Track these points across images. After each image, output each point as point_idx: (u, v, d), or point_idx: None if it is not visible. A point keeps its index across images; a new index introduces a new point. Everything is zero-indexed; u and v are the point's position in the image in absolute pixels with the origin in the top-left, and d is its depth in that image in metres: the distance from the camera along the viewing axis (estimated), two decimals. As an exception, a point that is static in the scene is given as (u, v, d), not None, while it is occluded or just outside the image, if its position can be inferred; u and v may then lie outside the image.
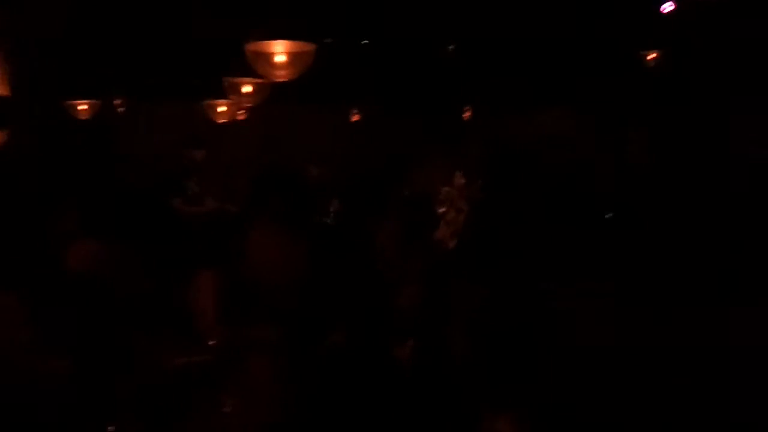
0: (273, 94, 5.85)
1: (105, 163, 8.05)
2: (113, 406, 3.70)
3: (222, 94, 5.83)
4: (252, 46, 3.25)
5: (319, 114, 10.47)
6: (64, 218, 5.27)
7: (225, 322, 4.58)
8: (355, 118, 10.42)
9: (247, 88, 5.34)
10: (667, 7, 6.05)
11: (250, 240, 5.16)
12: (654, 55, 6.32)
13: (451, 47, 8.13)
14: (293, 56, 3.20)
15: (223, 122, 6.71)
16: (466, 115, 10.33)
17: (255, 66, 3.37)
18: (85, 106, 6.57)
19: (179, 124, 8.49)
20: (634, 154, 7.77)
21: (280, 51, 3.19)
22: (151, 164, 8.56)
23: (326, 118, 10.55)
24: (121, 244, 5.34)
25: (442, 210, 8.66)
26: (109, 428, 3.44)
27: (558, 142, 9.07)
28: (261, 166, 9.07)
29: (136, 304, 4.78)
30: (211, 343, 4.31)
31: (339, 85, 9.19)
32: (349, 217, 7.75)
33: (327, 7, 6.59)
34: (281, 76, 3.28)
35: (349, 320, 4.21)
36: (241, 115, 7.90)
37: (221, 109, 6.36)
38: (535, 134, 9.73)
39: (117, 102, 8.50)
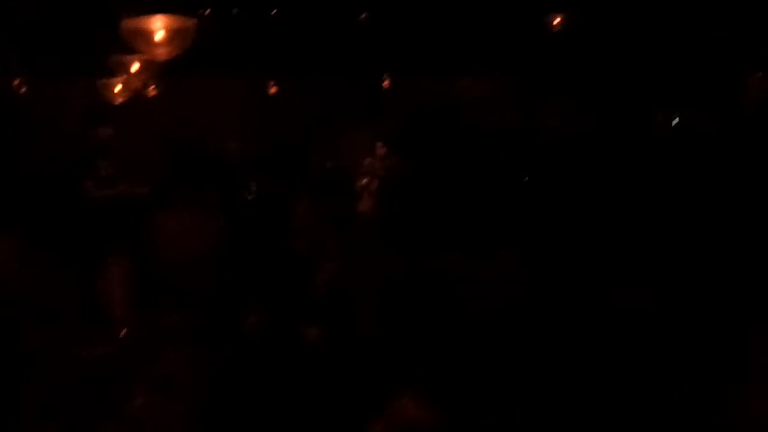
0: (187, 67, 5.63)
1: (7, 150, 7.69)
2: (18, 405, 3.55)
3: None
4: (128, 23, 3.06)
5: (237, 87, 10.22)
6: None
7: (137, 310, 4.46)
8: (273, 90, 10.20)
9: (135, 66, 5.11)
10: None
11: (161, 223, 5.04)
12: (558, 19, 6.36)
13: (363, 15, 8.01)
14: (172, 32, 3.01)
15: (122, 101, 6.45)
16: (385, 83, 10.26)
17: (133, 44, 3.19)
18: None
19: (85, 102, 8.16)
20: (547, 118, 7.87)
21: (158, 27, 2.99)
22: (59, 145, 8.22)
23: (244, 91, 10.31)
24: (27, 235, 5.13)
25: (365, 181, 8.67)
26: None
27: (475, 107, 9.13)
28: (173, 146, 8.88)
29: (43, 296, 4.61)
30: (122, 332, 4.19)
31: (254, 56, 8.98)
32: (269, 193, 7.64)
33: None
34: (161, 54, 3.11)
35: (264, 302, 4.14)
36: (151, 91, 7.63)
37: (117, 88, 6.10)
38: (453, 100, 9.78)
39: (17, 82, 8.09)
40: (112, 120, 7.30)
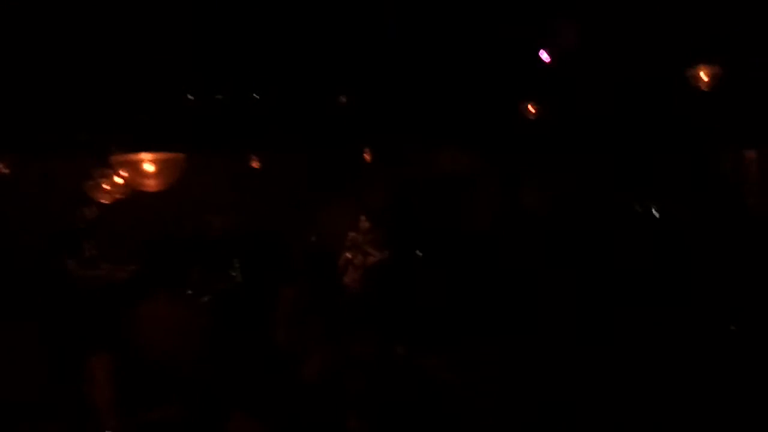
0: (171, 145, 5.73)
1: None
2: None
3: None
4: (118, 157, 3.13)
5: (219, 162, 10.33)
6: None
7: (123, 408, 4.42)
8: (256, 165, 10.33)
9: (120, 180, 5.17)
10: (545, 56, 6.30)
11: (144, 311, 5.01)
12: (533, 109, 6.56)
13: (342, 98, 8.21)
14: (161, 165, 3.09)
15: (107, 201, 6.54)
16: (367, 156, 10.43)
17: (122, 175, 3.26)
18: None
19: (70, 183, 8.20)
20: (527, 198, 8.03)
21: (147, 160, 3.05)
22: (43, 225, 8.24)
23: (226, 167, 10.42)
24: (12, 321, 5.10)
25: (348, 255, 8.72)
26: None
27: (455, 182, 9.27)
28: (156, 225, 8.91)
29: (29, 390, 4.58)
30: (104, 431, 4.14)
31: (238, 135, 9.12)
32: (252, 271, 7.64)
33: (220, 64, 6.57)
34: (150, 185, 3.18)
35: (251, 398, 4.13)
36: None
37: (104, 187, 6.19)
38: (433, 174, 9.93)
39: (1, 163, 8.15)
40: (95, 201, 7.35)
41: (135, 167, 3.11)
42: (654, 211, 7.28)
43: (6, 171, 8.50)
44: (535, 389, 3.96)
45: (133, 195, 8.53)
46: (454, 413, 3.64)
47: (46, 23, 5.17)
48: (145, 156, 3.10)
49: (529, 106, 6.60)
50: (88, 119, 6.69)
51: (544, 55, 6.21)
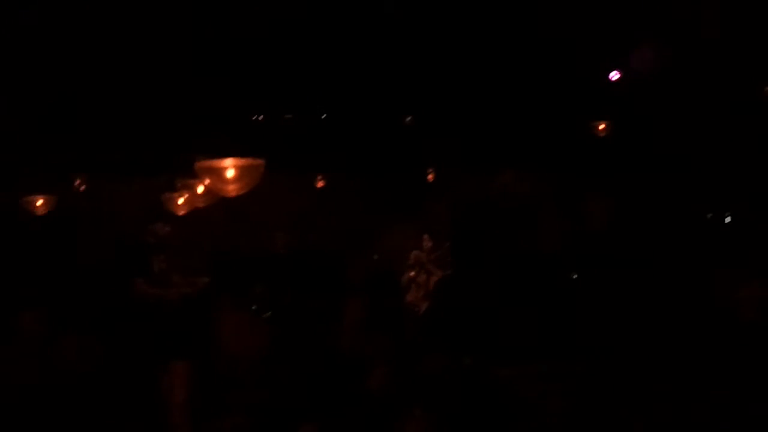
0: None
1: (67, 250, 7.98)
2: None
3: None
4: (201, 163, 3.28)
5: (286, 182, 10.54)
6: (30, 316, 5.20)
7: (195, 415, 4.52)
8: (321, 185, 10.51)
9: (200, 188, 5.36)
10: (614, 75, 6.26)
11: (217, 327, 5.13)
12: (603, 125, 6.51)
13: (408, 118, 8.30)
14: (242, 171, 3.23)
15: (183, 213, 6.74)
16: (430, 177, 10.49)
17: (205, 181, 3.40)
18: (41, 201, 6.61)
19: (143, 200, 8.47)
20: (592, 219, 7.92)
21: (228, 166, 3.20)
22: (115, 242, 8.49)
23: (292, 186, 10.62)
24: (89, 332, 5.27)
25: (412, 273, 8.75)
26: None
27: (519, 203, 9.21)
28: (224, 242, 9.12)
29: (104, 396, 4.71)
30: (179, 438, 4.25)
31: (303, 155, 9.30)
32: (316, 290, 7.74)
33: (288, 84, 6.73)
34: (231, 190, 3.31)
35: (320, 409, 4.18)
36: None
37: (180, 201, 6.39)
38: (497, 195, 9.89)
39: (78, 181, 8.47)
40: (168, 218, 7.57)
41: (217, 173, 3.24)
42: (726, 219, 7.13)
43: (83, 188, 8.84)
44: (603, 408, 3.90)
45: (203, 211, 8.81)
46: (521, 424, 3.62)
47: (122, 40, 5.37)
48: (227, 162, 3.24)
49: (598, 126, 6.55)
50: (161, 137, 6.91)
51: (614, 75, 6.17)
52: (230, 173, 3.21)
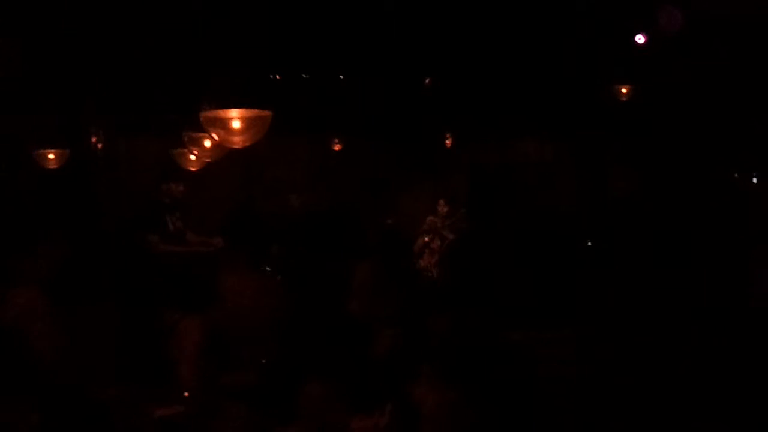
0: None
1: (84, 205, 8.01)
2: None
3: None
4: (207, 113, 3.23)
5: (303, 144, 10.50)
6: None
7: (203, 372, 4.53)
8: (338, 147, 10.43)
9: (207, 142, 5.32)
10: (640, 38, 6.10)
11: (226, 284, 5.13)
12: (626, 89, 6.37)
13: (427, 80, 8.17)
14: (248, 122, 3.18)
15: (194, 170, 6.71)
16: (448, 142, 10.38)
17: (210, 131, 3.36)
18: (53, 155, 6.65)
19: (158, 158, 8.45)
20: (615, 185, 7.83)
21: (234, 117, 3.16)
22: (131, 199, 8.53)
23: (309, 148, 10.58)
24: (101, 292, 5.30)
25: (426, 238, 8.71)
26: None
27: (538, 169, 9.11)
28: (238, 201, 9.11)
29: (113, 353, 4.74)
30: (186, 394, 4.25)
31: (321, 116, 9.23)
32: (329, 250, 7.73)
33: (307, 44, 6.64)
34: (237, 142, 3.26)
35: (328, 368, 4.16)
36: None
37: (191, 156, 6.35)
38: (516, 161, 9.79)
39: (94, 138, 8.46)
40: (182, 177, 7.55)
41: (223, 124, 3.20)
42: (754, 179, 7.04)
43: (100, 145, 8.84)
44: (614, 372, 3.86)
45: (220, 170, 8.80)
46: (533, 388, 3.58)
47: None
48: (233, 112, 3.19)
49: (622, 89, 6.41)
50: (174, 92, 6.86)
51: (639, 38, 6.02)
52: (236, 124, 3.17)
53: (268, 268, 6.87)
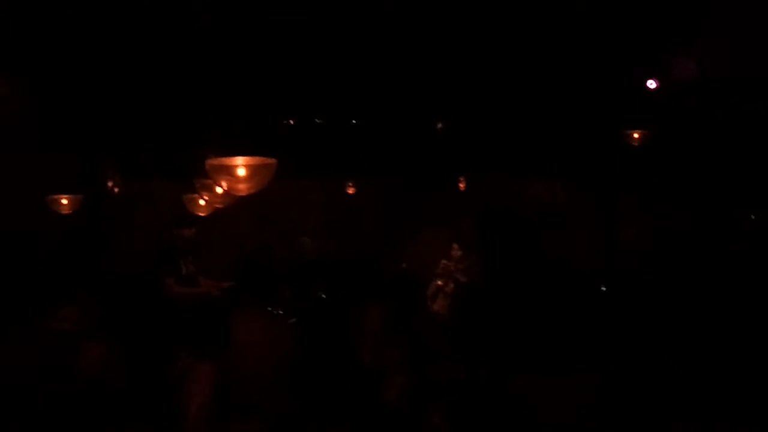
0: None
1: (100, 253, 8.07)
2: None
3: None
4: (213, 161, 3.27)
5: (317, 187, 10.55)
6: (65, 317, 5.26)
7: (213, 417, 4.50)
8: (352, 191, 10.47)
9: (219, 189, 5.35)
10: (652, 84, 6.12)
11: (237, 329, 5.11)
12: (638, 134, 6.37)
13: (439, 125, 8.22)
14: (253, 170, 3.21)
15: (205, 215, 6.76)
16: (462, 185, 10.39)
17: (215, 179, 3.39)
18: (66, 201, 6.73)
19: (171, 203, 8.51)
20: (626, 231, 7.77)
21: (240, 165, 3.19)
22: (146, 245, 8.56)
23: (323, 192, 10.62)
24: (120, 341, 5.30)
25: (439, 282, 8.66)
26: None
27: (551, 213, 9.07)
28: (252, 245, 9.13)
29: (127, 396, 4.72)
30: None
31: (334, 160, 9.29)
32: (342, 295, 7.70)
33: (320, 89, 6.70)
34: (242, 189, 3.29)
35: (338, 416, 4.12)
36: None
37: (201, 202, 6.41)
38: (528, 206, 9.76)
39: (111, 183, 8.55)
40: (196, 220, 7.58)
41: (228, 171, 3.22)
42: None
43: (117, 189, 8.92)
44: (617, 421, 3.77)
45: (233, 215, 8.84)
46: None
47: (152, 40, 5.39)
48: (238, 160, 3.22)
49: (633, 134, 6.40)
50: (188, 138, 6.94)
51: (651, 84, 6.03)
52: (241, 171, 3.19)
53: (280, 312, 6.84)
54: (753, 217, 7.92)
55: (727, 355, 4.68)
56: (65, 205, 6.79)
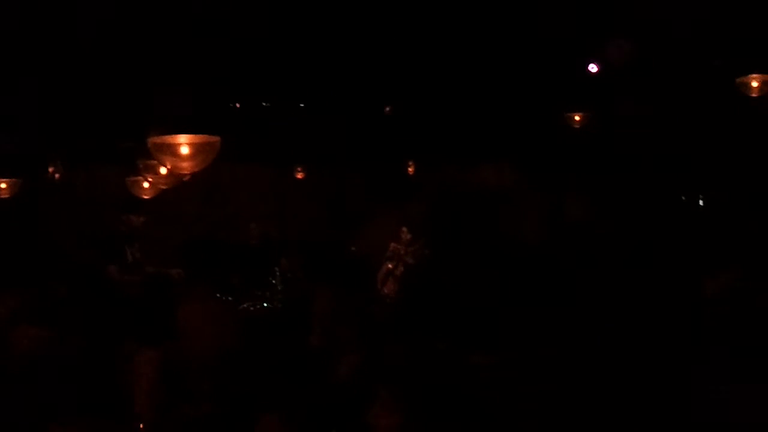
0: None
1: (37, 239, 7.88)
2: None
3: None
4: (155, 139, 3.21)
5: (265, 172, 10.48)
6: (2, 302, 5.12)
7: (160, 403, 4.46)
8: (300, 176, 10.44)
9: (162, 169, 5.27)
10: (593, 68, 6.26)
11: (186, 312, 5.07)
12: (579, 116, 6.52)
13: (387, 108, 8.25)
14: (196, 148, 3.16)
15: (149, 197, 6.67)
16: (410, 169, 10.46)
17: (158, 158, 3.33)
18: (4, 185, 6.54)
19: (118, 189, 8.36)
20: (569, 211, 7.95)
21: (183, 143, 3.14)
22: (89, 230, 8.41)
23: (271, 177, 10.56)
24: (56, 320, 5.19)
25: (390, 265, 8.74)
26: None
27: (497, 196, 9.21)
28: (199, 230, 9.05)
29: (69, 385, 4.64)
30: (141, 426, 4.18)
31: (282, 144, 9.23)
32: (292, 279, 7.70)
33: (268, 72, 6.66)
34: (185, 167, 3.24)
35: (286, 398, 4.12)
36: (185, 177, 7.81)
37: (145, 184, 6.31)
38: (475, 188, 9.90)
39: (51, 169, 8.35)
40: (141, 206, 7.47)
41: (171, 150, 3.18)
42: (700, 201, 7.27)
43: (57, 176, 8.72)
44: (573, 393, 3.88)
45: (178, 200, 8.74)
46: (491, 410, 3.58)
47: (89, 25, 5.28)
48: (181, 138, 3.18)
49: (574, 117, 6.55)
50: (131, 118, 6.81)
51: (592, 67, 6.17)
52: (185, 150, 3.15)
53: (229, 298, 6.82)
54: (683, 198, 8.24)
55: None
56: (3, 189, 6.60)
